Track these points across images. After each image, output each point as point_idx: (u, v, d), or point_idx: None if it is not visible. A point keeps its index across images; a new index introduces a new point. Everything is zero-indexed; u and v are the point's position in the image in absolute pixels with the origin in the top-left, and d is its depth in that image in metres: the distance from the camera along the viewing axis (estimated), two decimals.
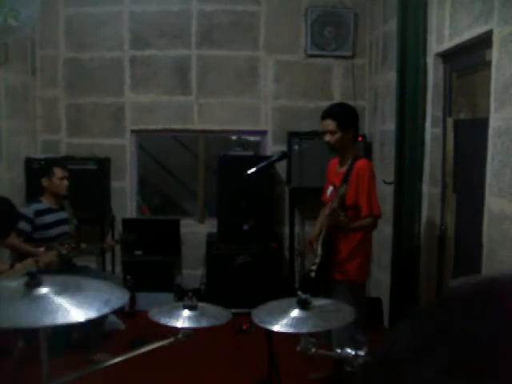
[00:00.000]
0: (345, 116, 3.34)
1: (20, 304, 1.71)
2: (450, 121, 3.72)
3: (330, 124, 3.30)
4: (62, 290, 1.79)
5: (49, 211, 4.21)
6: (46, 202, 4.23)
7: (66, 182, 4.25)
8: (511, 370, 0.38)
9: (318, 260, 3.24)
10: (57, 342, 3.91)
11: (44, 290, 1.77)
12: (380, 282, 4.94)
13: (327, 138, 3.33)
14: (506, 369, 0.39)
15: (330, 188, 3.41)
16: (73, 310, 1.70)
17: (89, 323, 4.06)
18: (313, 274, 3.23)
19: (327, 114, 3.36)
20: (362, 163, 3.30)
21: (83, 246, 4.41)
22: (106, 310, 1.78)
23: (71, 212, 4.41)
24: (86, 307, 1.73)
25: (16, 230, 3.96)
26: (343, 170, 3.34)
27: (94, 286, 1.95)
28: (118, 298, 1.85)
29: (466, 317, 0.42)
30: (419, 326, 0.44)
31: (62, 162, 4.77)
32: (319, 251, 3.24)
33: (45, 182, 4.22)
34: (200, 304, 2.38)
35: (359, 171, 3.24)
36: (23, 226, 4.04)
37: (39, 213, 4.15)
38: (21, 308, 1.69)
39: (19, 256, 3.94)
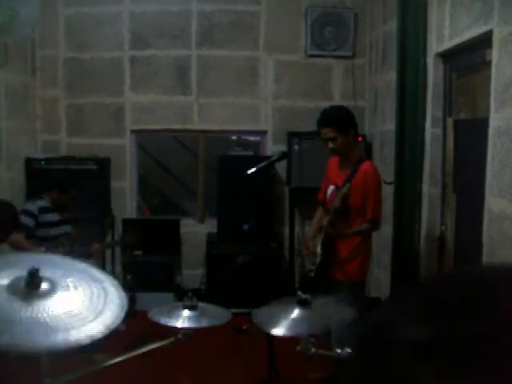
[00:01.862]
0: (342, 119, 3.29)
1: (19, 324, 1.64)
2: (450, 121, 3.71)
3: (329, 131, 3.26)
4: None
5: (50, 210, 4.22)
6: (47, 202, 4.24)
7: (72, 202, 4.28)
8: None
9: (318, 260, 3.24)
10: None
11: (44, 289, 1.73)
12: (380, 282, 4.94)
13: (330, 145, 3.29)
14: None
15: (331, 187, 3.39)
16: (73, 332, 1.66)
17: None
18: (312, 274, 3.24)
19: (324, 121, 3.30)
20: (368, 166, 3.29)
21: (76, 247, 4.42)
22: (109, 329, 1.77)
23: (71, 212, 4.42)
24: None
25: (19, 225, 3.96)
26: (347, 170, 3.31)
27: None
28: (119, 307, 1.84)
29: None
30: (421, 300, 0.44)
31: (62, 162, 4.78)
32: (319, 251, 3.25)
33: (55, 192, 4.21)
34: (200, 304, 2.38)
35: (366, 175, 3.23)
36: (27, 221, 4.05)
37: (43, 210, 4.17)
38: (20, 322, 1.63)
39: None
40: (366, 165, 3.29)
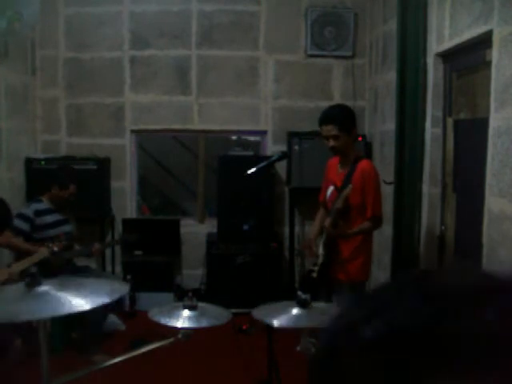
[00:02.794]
0: (346, 118, 3.28)
1: (21, 299, 1.72)
2: (449, 121, 3.71)
3: (332, 129, 3.22)
4: (62, 288, 1.79)
5: (49, 211, 4.21)
6: (46, 202, 4.23)
7: (72, 198, 4.27)
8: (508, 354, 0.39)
9: (320, 261, 3.23)
10: (56, 339, 3.91)
11: (45, 288, 1.77)
12: (380, 282, 4.94)
13: (331, 143, 3.25)
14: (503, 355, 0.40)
15: (331, 188, 3.39)
16: (74, 301, 1.72)
17: (89, 323, 4.07)
18: (314, 274, 3.24)
19: (327, 118, 3.26)
20: (365, 164, 3.29)
21: (76, 246, 4.42)
22: (107, 299, 1.79)
23: (71, 212, 4.42)
24: (87, 298, 1.74)
25: (14, 230, 3.96)
26: (345, 170, 3.31)
27: (93, 281, 1.97)
28: (118, 289, 1.87)
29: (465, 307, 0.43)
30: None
31: (62, 162, 4.78)
32: (321, 251, 3.24)
33: (55, 189, 4.20)
34: (200, 304, 2.38)
35: (364, 172, 3.22)
36: (22, 225, 4.04)
37: (39, 213, 4.15)
38: (22, 303, 1.70)
39: (19, 255, 3.93)
40: (363, 163, 3.28)
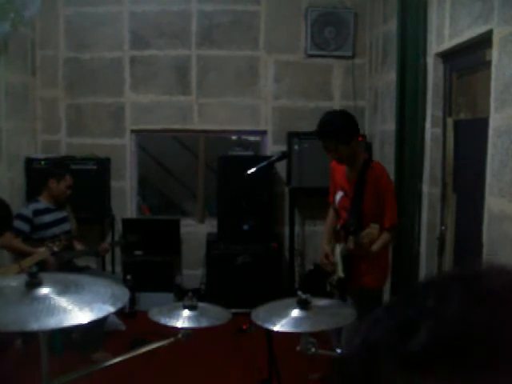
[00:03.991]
0: (343, 131, 3.03)
1: (21, 306, 1.70)
2: (450, 121, 3.71)
3: (330, 143, 3.03)
4: (62, 290, 1.79)
5: (47, 211, 4.21)
6: (44, 202, 4.23)
7: (69, 192, 4.27)
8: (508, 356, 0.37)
9: (339, 275, 3.14)
10: (56, 340, 3.92)
11: (45, 291, 1.77)
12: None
13: (333, 155, 3.10)
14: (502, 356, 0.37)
15: (340, 193, 3.22)
16: (75, 311, 1.70)
17: (90, 323, 4.06)
18: (334, 283, 3.19)
19: (323, 134, 3.05)
20: (377, 171, 3.09)
21: (79, 246, 4.42)
22: (108, 311, 1.78)
23: (70, 211, 4.42)
24: (87, 308, 1.73)
25: (13, 230, 3.97)
26: (354, 176, 3.13)
27: (94, 285, 1.95)
28: (118, 297, 1.86)
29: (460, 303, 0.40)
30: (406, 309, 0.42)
31: (65, 164, 4.79)
32: (340, 267, 3.13)
33: (52, 182, 4.22)
34: (200, 304, 2.38)
35: (376, 181, 3.05)
36: (21, 225, 4.04)
37: (38, 212, 4.15)
38: (22, 310, 1.68)
39: (19, 256, 3.93)
40: (375, 172, 3.09)
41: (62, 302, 1.72)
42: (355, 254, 3.03)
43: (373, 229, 2.83)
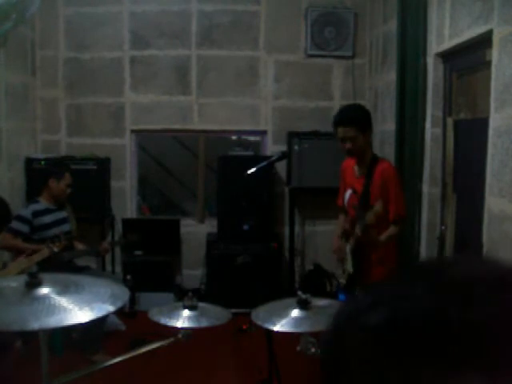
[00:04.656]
0: (363, 118, 3.14)
1: (21, 306, 1.70)
2: (450, 121, 3.72)
3: (350, 130, 3.06)
4: (62, 290, 1.79)
5: (47, 211, 4.20)
6: (44, 203, 4.22)
7: (69, 190, 4.27)
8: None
9: (349, 270, 3.17)
10: (56, 340, 3.91)
11: (45, 291, 1.77)
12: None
13: (348, 145, 3.09)
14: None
15: (349, 191, 3.24)
16: (75, 311, 1.70)
17: (90, 323, 4.05)
18: (343, 281, 3.23)
19: (345, 120, 3.10)
20: (385, 166, 3.14)
21: (80, 246, 4.42)
22: (108, 310, 1.78)
23: (70, 211, 4.42)
24: (87, 307, 1.73)
25: (13, 232, 3.97)
26: (362, 171, 3.18)
27: (93, 285, 1.95)
28: (118, 296, 1.86)
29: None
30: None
31: (64, 163, 4.78)
32: (349, 261, 3.17)
33: (52, 182, 4.21)
34: (200, 304, 2.38)
35: (384, 175, 3.09)
36: (20, 227, 4.04)
37: (37, 213, 4.14)
38: (22, 310, 1.68)
39: (19, 255, 3.93)
40: (382, 166, 3.14)
41: (62, 301, 1.72)
42: (364, 244, 3.05)
43: (376, 207, 2.87)
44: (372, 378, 0.42)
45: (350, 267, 3.19)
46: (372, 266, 3.15)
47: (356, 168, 3.24)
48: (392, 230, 3.09)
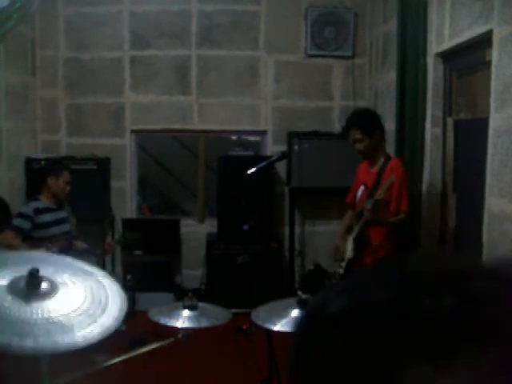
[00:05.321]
0: (367, 122, 3.43)
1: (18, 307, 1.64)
2: (450, 121, 3.71)
3: (356, 133, 3.39)
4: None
5: (48, 210, 4.20)
6: (44, 201, 4.22)
7: (68, 188, 4.27)
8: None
9: (348, 256, 3.33)
10: None
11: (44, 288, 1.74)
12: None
13: (357, 146, 3.42)
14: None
15: (361, 188, 3.48)
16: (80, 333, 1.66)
17: None
18: (341, 271, 3.36)
19: (351, 123, 3.45)
20: (394, 163, 3.39)
21: (80, 244, 4.41)
22: (116, 323, 1.78)
23: (70, 211, 4.42)
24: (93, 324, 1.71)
25: (15, 229, 3.96)
26: (375, 169, 3.42)
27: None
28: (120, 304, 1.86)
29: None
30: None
31: (62, 162, 4.78)
32: (350, 246, 3.33)
33: (51, 180, 4.21)
34: (200, 304, 2.38)
35: (392, 170, 3.32)
36: (22, 223, 4.03)
37: (39, 211, 4.14)
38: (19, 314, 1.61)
39: None
40: (393, 162, 3.39)
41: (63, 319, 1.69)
42: (370, 224, 3.25)
43: (388, 181, 3.13)
44: (333, 366, 0.43)
45: (350, 253, 3.34)
46: (374, 248, 3.33)
47: (368, 166, 3.50)
48: (398, 217, 3.30)
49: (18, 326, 1.52)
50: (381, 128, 3.48)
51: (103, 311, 1.73)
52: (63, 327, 1.59)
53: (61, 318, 1.61)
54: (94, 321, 1.67)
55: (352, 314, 0.44)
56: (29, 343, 1.48)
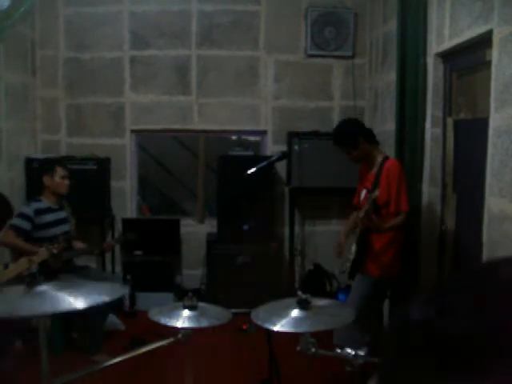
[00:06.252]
0: (346, 137, 3.46)
1: (21, 298, 1.74)
2: (450, 121, 3.72)
3: (341, 149, 3.49)
4: (61, 287, 1.81)
5: (49, 210, 4.20)
6: (45, 201, 4.22)
7: (66, 182, 4.26)
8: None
9: (352, 257, 3.34)
10: (56, 340, 3.91)
11: (44, 288, 1.79)
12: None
13: (348, 157, 3.52)
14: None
15: (364, 191, 3.51)
16: (73, 299, 1.74)
17: (89, 323, 4.07)
18: (347, 270, 3.38)
19: (333, 142, 3.54)
20: (391, 163, 3.41)
21: (79, 245, 4.41)
22: (107, 298, 1.81)
23: (70, 211, 4.41)
24: (86, 296, 1.77)
25: (15, 229, 3.96)
26: (373, 171, 3.44)
27: (92, 283, 1.98)
28: (116, 290, 1.90)
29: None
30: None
31: (62, 161, 4.77)
32: (353, 248, 3.35)
33: (46, 180, 4.21)
34: (200, 304, 2.38)
35: (389, 171, 3.35)
36: (23, 224, 4.03)
37: (39, 211, 4.14)
38: (22, 300, 1.72)
39: (19, 255, 3.93)
40: (389, 163, 3.41)
41: (59, 293, 1.76)
42: (368, 230, 3.28)
43: (375, 192, 3.18)
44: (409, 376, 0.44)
45: (352, 254, 3.36)
46: (376, 254, 3.35)
47: (367, 169, 3.55)
48: (397, 219, 3.33)
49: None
50: (364, 133, 3.49)
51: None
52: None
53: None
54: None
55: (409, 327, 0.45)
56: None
